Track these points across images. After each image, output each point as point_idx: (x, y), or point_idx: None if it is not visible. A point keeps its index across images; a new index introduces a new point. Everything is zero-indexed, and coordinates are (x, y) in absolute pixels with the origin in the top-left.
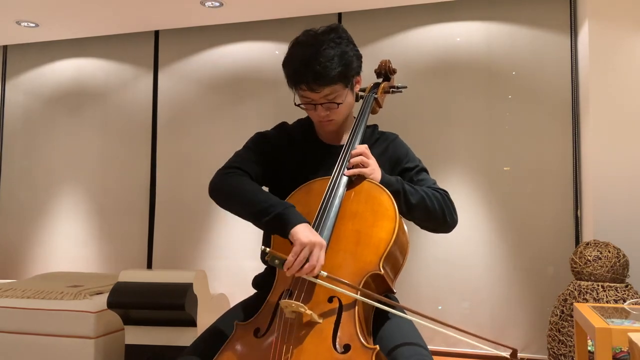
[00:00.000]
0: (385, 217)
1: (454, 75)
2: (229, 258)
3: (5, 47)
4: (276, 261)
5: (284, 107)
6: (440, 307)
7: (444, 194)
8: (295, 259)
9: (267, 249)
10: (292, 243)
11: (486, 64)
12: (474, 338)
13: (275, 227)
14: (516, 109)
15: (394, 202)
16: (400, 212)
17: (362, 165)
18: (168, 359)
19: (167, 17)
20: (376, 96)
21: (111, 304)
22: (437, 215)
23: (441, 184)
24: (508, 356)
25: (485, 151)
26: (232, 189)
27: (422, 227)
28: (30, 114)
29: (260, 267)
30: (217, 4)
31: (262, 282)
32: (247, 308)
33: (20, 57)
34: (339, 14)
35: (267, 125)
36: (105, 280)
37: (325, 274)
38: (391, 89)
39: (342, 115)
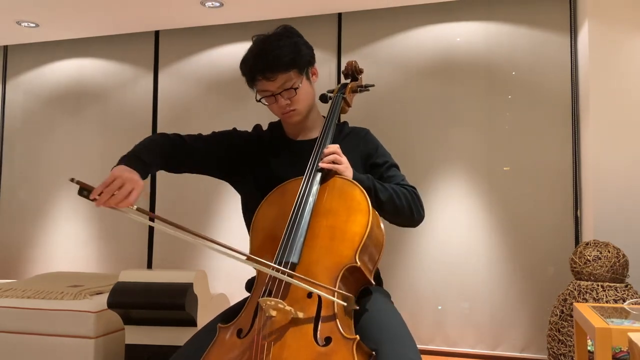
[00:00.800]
0: (358, 211)
1: (454, 75)
2: (229, 258)
3: (5, 47)
4: (84, 192)
5: None
6: (440, 307)
7: (412, 191)
8: (102, 189)
9: (75, 179)
10: None
11: (486, 64)
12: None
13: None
14: (516, 109)
15: (367, 195)
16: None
17: (335, 162)
18: (168, 359)
19: (167, 17)
20: (344, 96)
21: (111, 304)
22: (405, 211)
23: (441, 184)
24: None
25: (485, 151)
26: (141, 143)
27: (390, 222)
28: (31, 114)
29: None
30: (217, 4)
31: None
32: (233, 311)
33: (21, 57)
34: (339, 14)
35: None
36: (105, 280)
37: (135, 207)
38: (359, 88)
39: (302, 103)
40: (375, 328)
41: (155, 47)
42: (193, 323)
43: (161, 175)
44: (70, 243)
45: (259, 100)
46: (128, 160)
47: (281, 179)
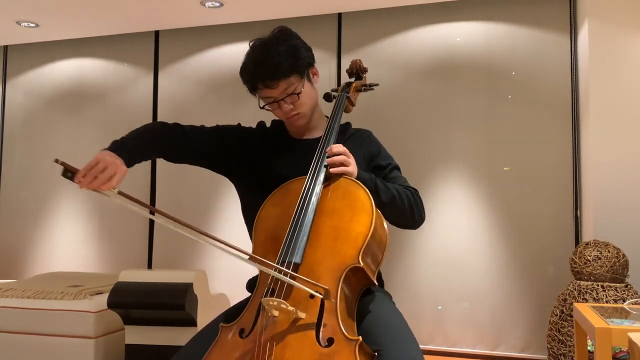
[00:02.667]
0: (362, 211)
1: (454, 75)
2: (229, 258)
3: (5, 47)
4: (68, 174)
5: None
6: (440, 307)
7: (414, 192)
8: (86, 171)
9: (59, 160)
10: None
11: (486, 64)
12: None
13: None
14: (516, 109)
15: (370, 196)
16: None
17: (344, 164)
18: (168, 358)
19: (167, 17)
20: (348, 95)
21: (111, 304)
22: (406, 213)
23: (441, 184)
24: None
25: (485, 151)
26: (139, 130)
27: (391, 223)
28: (31, 114)
29: (256, 270)
30: (217, 4)
31: (255, 285)
32: (235, 310)
33: (21, 57)
34: (339, 14)
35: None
36: (105, 280)
37: (116, 190)
38: (363, 88)
39: (306, 106)
40: (378, 329)
41: (155, 47)
42: (193, 323)
43: (161, 173)
44: (70, 243)
45: (263, 107)
46: (115, 146)
47: (284, 178)
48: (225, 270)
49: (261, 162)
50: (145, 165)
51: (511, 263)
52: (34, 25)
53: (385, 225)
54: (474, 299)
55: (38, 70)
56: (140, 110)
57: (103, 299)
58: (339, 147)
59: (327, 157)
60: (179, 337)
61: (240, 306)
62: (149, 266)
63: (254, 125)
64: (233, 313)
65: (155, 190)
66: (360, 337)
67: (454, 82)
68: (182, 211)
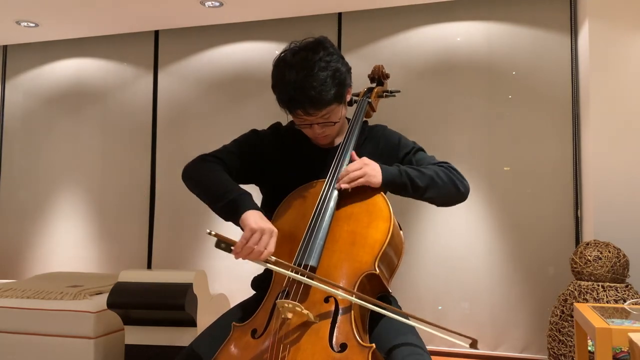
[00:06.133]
0: (379, 217)
1: (454, 75)
2: (229, 258)
3: (5, 47)
4: (222, 245)
5: None
6: (440, 308)
7: (448, 166)
8: (244, 244)
9: (212, 231)
10: (242, 229)
11: (486, 64)
12: (435, 328)
13: (228, 212)
14: (516, 109)
15: (388, 202)
16: (416, 198)
17: (362, 177)
18: (168, 359)
19: (167, 17)
20: (370, 100)
21: (111, 304)
22: (450, 189)
23: None
24: (468, 346)
25: (485, 151)
26: (200, 174)
27: (439, 205)
28: (30, 114)
29: (260, 268)
30: (217, 4)
31: (261, 284)
32: (245, 309)
33: (20, 57)
34: (339, 14)
35: (267, 125)
36: (105, 280)
37: (274, 258)
38: (384, 94)
39: (337, 129)
40: (388, 337)
41: (155, 47)
42: (193, 323)
43: (161, 175)
44: (70, 243)
45: (294, 125)
46: (243, 199)
47: (303, 184)
48: (225, 270)
49: (281, 168)
50: (145, 165)
51: (511, 263)
52: (33, 25)
53: (401, 232)
54: (474, 299)
55: (38, 70)
56: (140, 110)
57: (103, 299)
58: (351, 166)
59: (341, 178)
60: (179, 337)
61: (250, 304)
62: (149, 266)
63: (252, 126)
64: (244, 311)
65: (155, 190)
66: (374, 345)
67: (454, 82)
68: (183, 211)
